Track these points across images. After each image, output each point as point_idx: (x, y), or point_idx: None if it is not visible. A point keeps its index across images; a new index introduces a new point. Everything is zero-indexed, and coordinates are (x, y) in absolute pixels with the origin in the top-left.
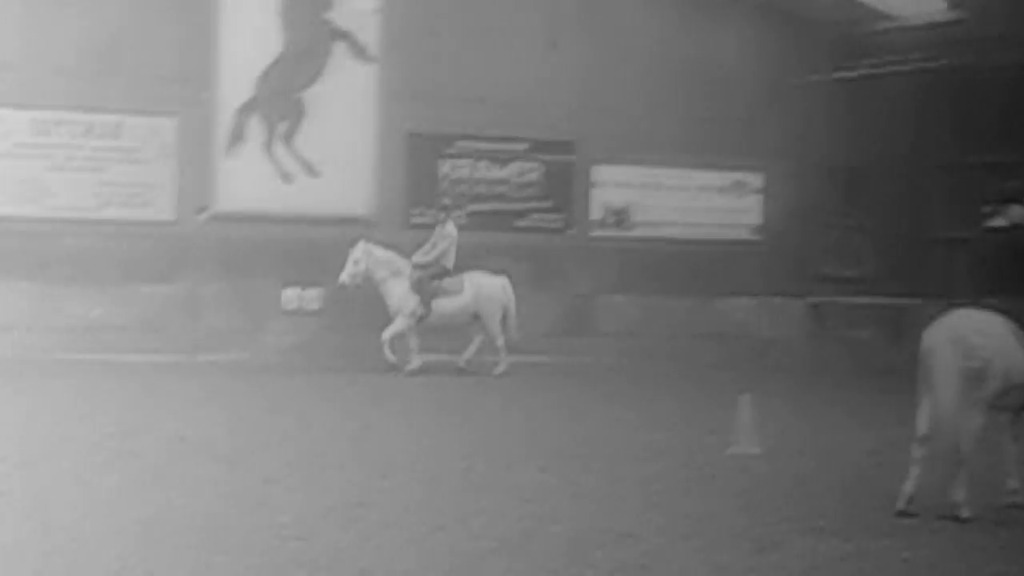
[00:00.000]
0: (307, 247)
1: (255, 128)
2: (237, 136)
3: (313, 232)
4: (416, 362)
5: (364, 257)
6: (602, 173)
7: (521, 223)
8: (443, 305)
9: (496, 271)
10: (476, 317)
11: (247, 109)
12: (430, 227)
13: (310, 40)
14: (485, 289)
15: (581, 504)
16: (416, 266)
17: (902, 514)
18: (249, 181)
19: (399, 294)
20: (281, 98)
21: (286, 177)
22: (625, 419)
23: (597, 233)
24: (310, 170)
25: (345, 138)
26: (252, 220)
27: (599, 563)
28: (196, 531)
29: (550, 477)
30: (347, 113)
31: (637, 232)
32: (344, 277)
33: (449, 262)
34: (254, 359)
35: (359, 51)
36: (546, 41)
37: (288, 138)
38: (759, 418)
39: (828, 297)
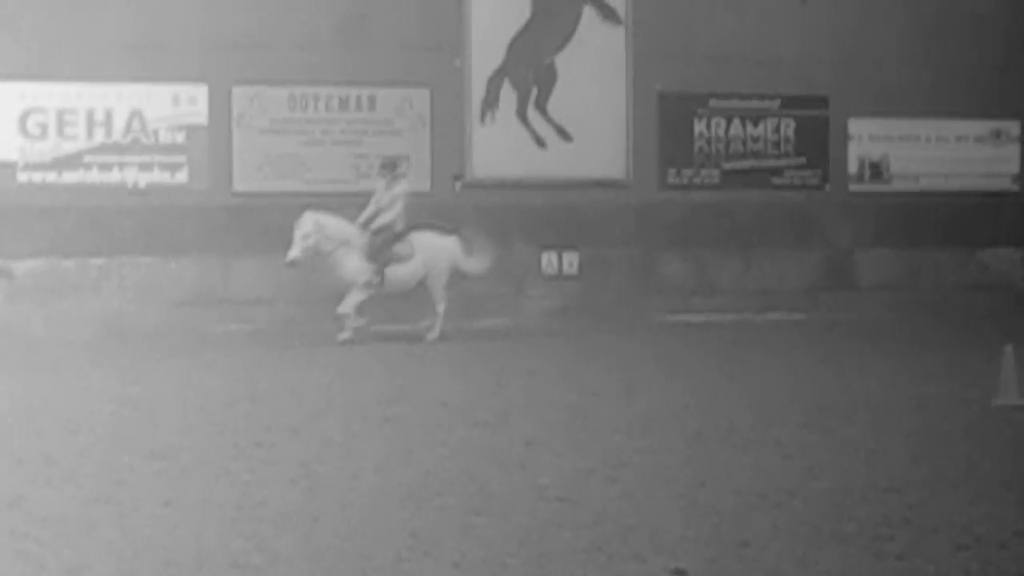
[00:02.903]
0: (564, 211)
1: (507, 95)
2: (490, 104)
3: (569, 196)
4: (348, 334)
5: (314, 230)
6: (858, 126)
7: (777, 180)
8: (396, 272)
9: (448, 229)
10: (424, 281)
11: (499, 76)
12: (685, 187)
13: (558, 5)
14: (434, 251)
15: (844, 458)
16: (369, 232)
17: None
18: (503, 148)
19: (352, 265)
20: (532, 64)
21: (540, 142)
22: (887, 373)
23: (855, 187)
24: (563, 134)
25: (597, 101)
26: (507, 186)
27: (863, 517)
28: (459, 494)
29: (812, 432)
30: (598, 76)
31: (895, 185)
32: (294, 254)
33: (399, 224)
34: (514, 324)
35: (608, 13)
36: None
37: (540, 103)
38: None
39: None
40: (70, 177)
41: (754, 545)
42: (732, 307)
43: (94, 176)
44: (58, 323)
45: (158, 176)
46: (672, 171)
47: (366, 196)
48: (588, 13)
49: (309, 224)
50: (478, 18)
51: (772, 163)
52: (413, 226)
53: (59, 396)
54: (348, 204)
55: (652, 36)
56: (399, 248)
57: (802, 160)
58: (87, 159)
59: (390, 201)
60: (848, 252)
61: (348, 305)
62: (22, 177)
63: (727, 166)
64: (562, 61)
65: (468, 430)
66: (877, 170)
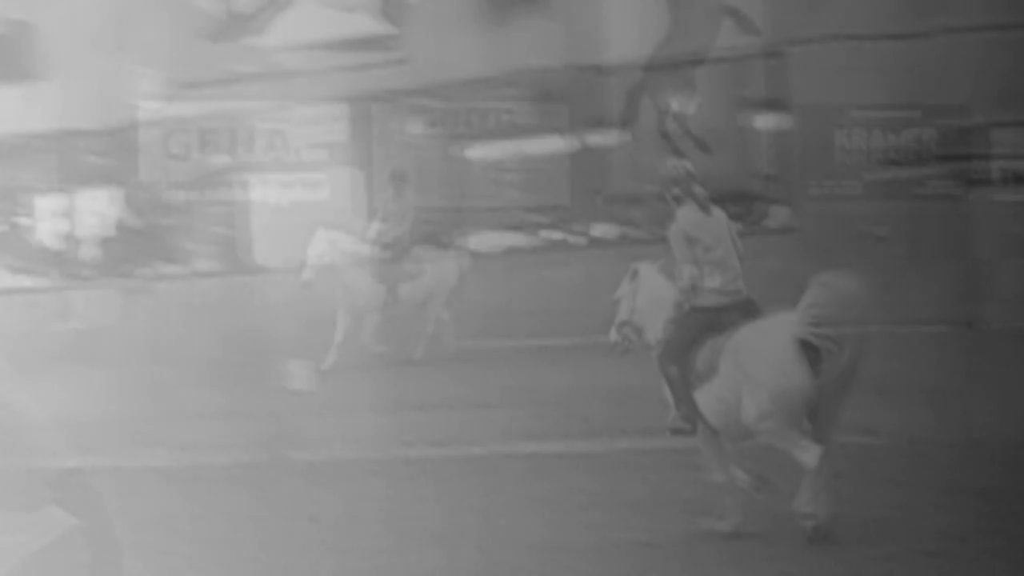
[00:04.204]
0: None
1: (646, 109)
2: (629, 117)
3: None
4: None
5: (327, 249)
6: (1000, 134)
7: (919, 190)
8: (407, 290)
9: (446, 244)
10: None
11: (637, 90)
12: (827, 199)
13: (697, 18)
14: (444, 268)
15: None
16: (381, 247)
17: None
18: (642, 162)
19: (364, 284)
20: (671, 76)
21: (679, 155)
22: None
23: (998, 196)
24: (703, 147)
25: (736, 113)
26: (647, 200)
27: None
28: (601, 507)
29: None
30: (736, 88)
31: None
32: (307, 274)
33: (407, 239)
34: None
35: (747, 26)
36: (935, 3)
37: (680, 116)
38: None
39: None
40: (212, 195)
41: None
42: (875, 319)
43: (236, 194)
44: (200, 340)
45: (299, 194)
46: (812, 183)
47: (504, 211)
48: (727, 25)
49: (323, 243)
50: (616, 32)
51: (914, 173)
52: (414, 240)
53: (204, 413)
54: (486, 218)
55: (791, 48)
56: (408, 266)
57: (944, 169)
58: (229, 177)
59: (399, 213)
60: (992, 262)
61: (370, 334)
62: (165, 196)
63: (868, 177)
64: (701, 74)
65: (611, 442)
66: (1022, 178)
